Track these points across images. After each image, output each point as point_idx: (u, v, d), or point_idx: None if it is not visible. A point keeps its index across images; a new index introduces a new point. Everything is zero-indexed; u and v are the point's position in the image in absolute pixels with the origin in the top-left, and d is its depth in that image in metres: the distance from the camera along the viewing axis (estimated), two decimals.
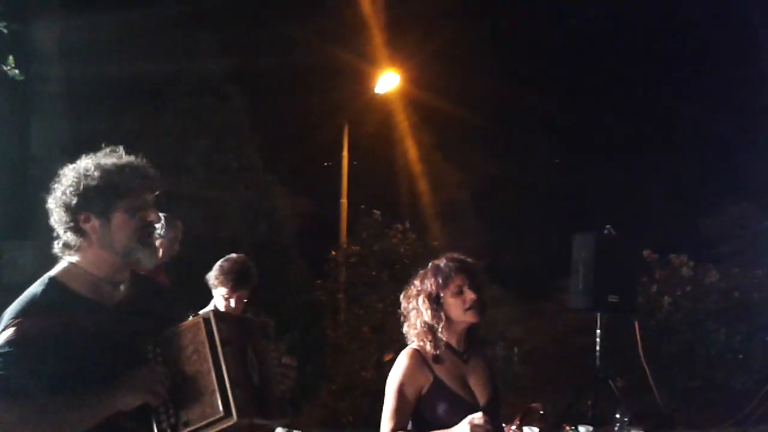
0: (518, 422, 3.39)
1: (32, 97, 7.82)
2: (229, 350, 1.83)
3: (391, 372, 2.82)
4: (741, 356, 9.06)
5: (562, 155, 16.77)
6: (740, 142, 14.10)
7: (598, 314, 5.72)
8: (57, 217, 1.96)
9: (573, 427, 3.90)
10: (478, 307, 2.80)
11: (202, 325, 1.84)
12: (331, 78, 14.23)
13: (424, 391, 2.74)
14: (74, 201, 1.93)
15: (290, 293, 7.78)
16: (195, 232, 7.19)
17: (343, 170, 12.78)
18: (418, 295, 2.83)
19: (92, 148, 2.07)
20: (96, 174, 1.95)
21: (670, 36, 17.08)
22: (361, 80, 13.72)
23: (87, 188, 1.93)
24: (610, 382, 5.49)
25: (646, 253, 9.26)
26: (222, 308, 3.84)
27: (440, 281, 2.81)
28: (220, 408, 1.77)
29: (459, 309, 2.79)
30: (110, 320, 1.92)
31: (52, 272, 1.98)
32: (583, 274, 5.47)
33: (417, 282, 2.87)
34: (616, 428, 3.85)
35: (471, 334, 2.91)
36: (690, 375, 8.85)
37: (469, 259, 2.93)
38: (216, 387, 1.78)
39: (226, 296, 3.81)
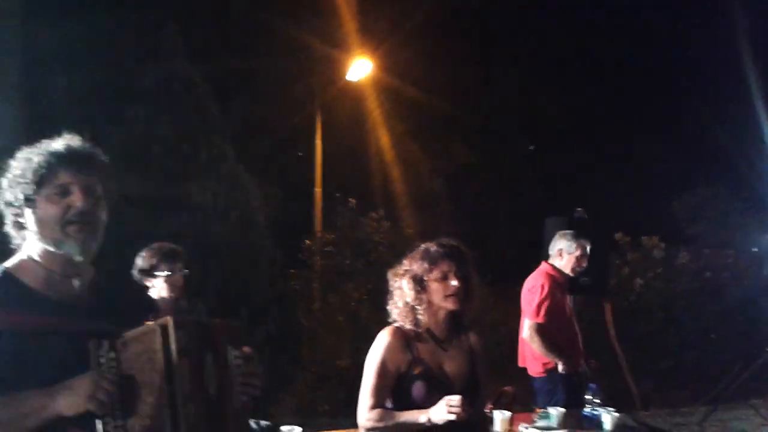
0: (491, 405, 3.40)
1: None
2: (185, 361, 1.70)
3: (371, 349, 2.83)
4: (713, 336, 9.18)
5: (533, 140, 16.84)
6: (711, 124, 14.26)
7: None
8: (3, 214, 1.89)
9: (544, 410, 3.90)
10: (460, 294, 2.80)
11: (159, 333, 1.70)
12: (303, 65, 14.11)
13: (402, 369, 2.76)
14: (7, 195, 1.86)
15: (264, 283, 7.71)
16: (165, 223, 7.13)
17: (316, 158, 12.71)
18: (404, 275, 2.87)
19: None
20: (18, 164, 1.87)
21: (641, 19, 17.18)
22: (334, 67, 13.64)
23: (12, 180, 1.86)
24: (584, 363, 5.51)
25: (618, 235, 9.32)
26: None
27: (426, 265, 2.83)
28: (169, 425, 1.68)
29: (440, 294, 2.81)
30: (63, 318, 1.81)
31: (7, 263, 1.88)
32: None
33: (406, 262, 2.90)
34: (586, 409, 3.87)
35: (455, 322, 2.91)
36: (662, 355, 8.95)
37: (461, 247, 2.91)
38: (167, 401, 1.68)
39: (162, 279, 3.71)
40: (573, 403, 4.57)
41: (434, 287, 2.81)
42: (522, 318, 4.89)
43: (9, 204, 1.86)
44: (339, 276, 10.51)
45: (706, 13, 14.94)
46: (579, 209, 5.64)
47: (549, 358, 4.64)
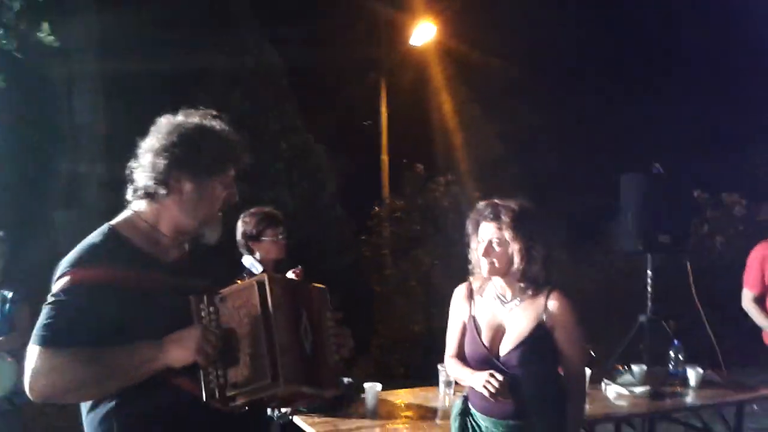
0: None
1: (71, 68, 7.91)
2: (281, 315, 1.79)
3: None
4: None
5: (605, 95, 16.32)
6: None
7: (649, 256, 5.58)
8: (147, 164, 1.90)
9: (626, 367, 3.87)
10: (491, 258, 2.71)
11: (256, 288, 1.79)
12: (366, 30, 14.00)
13: (465, 320, 2.87)
14: (179, 157, 1.89)
15: (335, 251, 7.83)
16: (238, 194, 7.25)
17: (382, 126, 12.69)
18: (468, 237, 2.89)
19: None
20: (211, 139, 1.95)
21: None
22: (397, 32, 13.50)
23: (195, 149, 1.91)
24: (663, 323, 5.40)
25: (696, 192, 9.03)
26: (256, 266, 3.84)
27: (470, 229, 2.83)
28: (268, 374, 1.74)
29: (478, 258, 2.78)
30: (165, 276, 1.91)
31: (114, 221, 1.95)
32: (632, 215, 5.33)
33: None
34: (670, 366, 3.82)
35: (525, 280, 2.75)
36: (744, 314, 8.68)
37: (505, 206, 2.74)
38: (266, 352, 1.75)
39: (269, 242, 3.84)
40: None
41: (478, 250, 2.78)
42: None
43: (177, 166, 1.90)
44: (409, 242, 10.57)
45: None
46: (656, 165, 5.45)
47: (765, 329, 4.67)
